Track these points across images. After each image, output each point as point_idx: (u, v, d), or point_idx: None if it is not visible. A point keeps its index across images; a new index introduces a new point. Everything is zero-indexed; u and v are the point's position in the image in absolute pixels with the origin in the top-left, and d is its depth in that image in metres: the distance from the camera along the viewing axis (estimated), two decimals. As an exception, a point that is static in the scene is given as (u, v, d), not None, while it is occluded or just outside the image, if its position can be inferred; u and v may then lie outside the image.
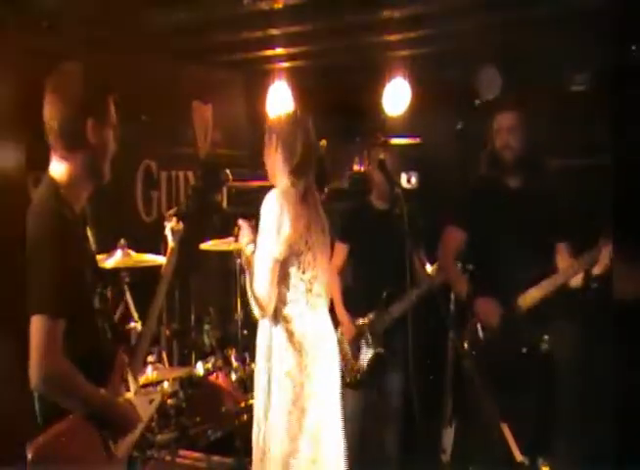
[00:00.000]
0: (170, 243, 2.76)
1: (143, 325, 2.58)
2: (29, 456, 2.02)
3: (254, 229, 2.93)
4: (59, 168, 2.22)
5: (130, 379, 2.35)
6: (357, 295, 3.98)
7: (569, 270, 3.27)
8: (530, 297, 3.29)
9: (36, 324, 2.05)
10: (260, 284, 2.81)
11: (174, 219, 2.78)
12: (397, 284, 3.54)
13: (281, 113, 3.12)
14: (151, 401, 2.46)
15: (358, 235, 3.98)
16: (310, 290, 2.88)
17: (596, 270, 3.16)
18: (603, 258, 3.12)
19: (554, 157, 3.75)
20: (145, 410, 2.39)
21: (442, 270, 3.64)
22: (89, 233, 2.35)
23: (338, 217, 3.93)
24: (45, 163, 2.26)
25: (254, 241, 2.90)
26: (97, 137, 2.21)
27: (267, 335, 2.90)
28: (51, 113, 2.19)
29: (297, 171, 2.91)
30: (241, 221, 3.02)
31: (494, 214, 3.38)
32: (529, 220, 3.32)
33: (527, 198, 3.37)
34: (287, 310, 2.85)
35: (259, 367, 2.92)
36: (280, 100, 5.22)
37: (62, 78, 2.22)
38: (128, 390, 2.34)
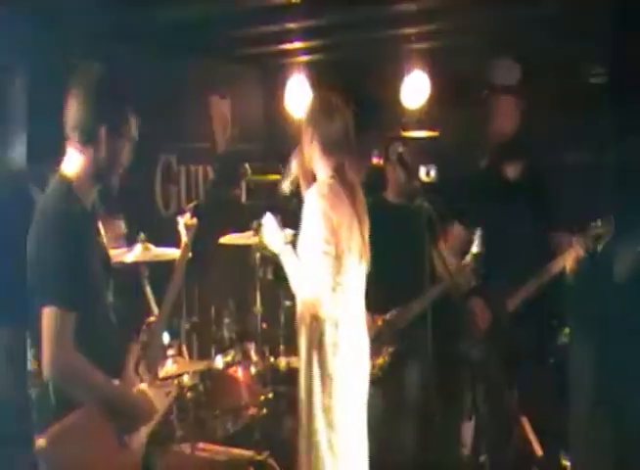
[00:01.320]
0: (184, 238, 2.76)
1: (155, 319, 2.60)
2: (42, 445, 2.05)
3: (281, 225, 2.90)
4: (71, 164, 2.26)
5: (144, 372, 2.37)
6: (376, 292, 3.96)
7: (552, 269, 3.24)
8: (517, 298, 3.27)
9: (48, 316, 2.08)
10: (308, 283, 2.78)
11: (188, 215, 2.78)
12: (417, 280, 3.53)
13: (316, 100, 3.02)
14: (167, 394, 2.47)
15: (375, 232, 3.95)
16: (345, 291, 2.85)
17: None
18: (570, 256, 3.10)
19: (557, 148, 3.71)
20: (161, 403, 2.40)
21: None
22: (101, 227, 2.37)
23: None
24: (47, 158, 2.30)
25: (281, 237, 2.86)
26: (108, 145, 2.23)
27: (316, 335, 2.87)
28: (70, 109, 2.23)
29: (334, 162, 2.84)
30: (268, 216, 2.97)
31: (492, 208, 3.34)
32: (526, 213, 3.28)
33: (525, 190, 3.32)
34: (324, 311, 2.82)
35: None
36: (298, 94, 5.22)
37: (85, 78, 2.26)
38: (143, 382, 2.36)
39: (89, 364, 2.13)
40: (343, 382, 2.82)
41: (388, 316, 3.87)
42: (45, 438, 2.07)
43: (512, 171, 3.39)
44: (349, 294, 2.88)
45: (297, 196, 3.06)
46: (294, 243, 2.89)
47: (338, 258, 2.78)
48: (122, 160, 2.30)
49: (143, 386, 2.34)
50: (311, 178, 2.94)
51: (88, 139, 2.22)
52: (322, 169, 2.87)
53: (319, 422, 2.79)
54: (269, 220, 2.94)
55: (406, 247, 3.50)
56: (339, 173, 2.85)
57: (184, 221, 2.77)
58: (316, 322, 2.81)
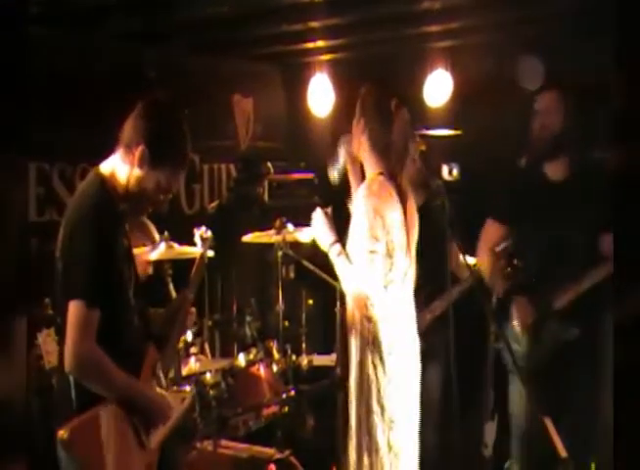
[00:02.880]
0: (200, 250, 2.76)
1: (171, 327, 2.59)
2: (63, 437, 2.08)
3: (332, 220, 2.83)
4: (111, 166, 2.30)
5: (161, 375, 2.38)
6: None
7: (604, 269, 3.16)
8: (568, 296, 3.22)
9: (74, 309, 2.11)
10: (358, 282, 2.72)
11: (203, 228, 2.78)
12: (437, 281, 3.50)
13: (374, 94, 2.89)
14: (182, 400, 2.48)
15: None
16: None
17: None
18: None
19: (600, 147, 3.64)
20: (176, 408, 2.41)
21: (480, 265, 3.58)
22: (127, 230, 2.40)
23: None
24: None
25: (331, 235, 2.78)
26: (143, 166, 2.26)
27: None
28: (128, 121, 2.29)
29: (385, 159, 2.78)
30: (317, 212, 2.83)
31: (534, 208, 3.30)
32: (570, 214, 3.23)
33: (568, 190, 3.27)
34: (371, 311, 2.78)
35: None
36: (320, 92, 5.21)
37: (145, 107, 2.31)
38: (160, 386, 2.37)
39: (110, 360, 2.15)
40: (398, 381, 2.82)
41: None
42: (67, 429, 2.11)
43: (554, 170, 3.33)
44: (401, 292, 2.86)
45: (343, 188, 3.01)
46: (343, 241, 2.84)
47: (389, 256, 2.73)
48: (148, 194, 2.32)
49: (160, 390, 2.37)
50: (359, 170, 2.88)
51: (128, 150, 2.25)
52: (371, 165, 2.81)
53: (376, 422, 2.78)
54: (318, 216, 2.84)
55: (426, 246, 3.48)
56: (388, 170, 2.78)
57: (200, 234, 2.76)
58: (368, 322, 2.78)
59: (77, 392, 2.18)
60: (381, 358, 2.77)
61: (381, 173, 2.77)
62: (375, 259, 2.69)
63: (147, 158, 2.24)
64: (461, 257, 3.42)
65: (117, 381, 2.19)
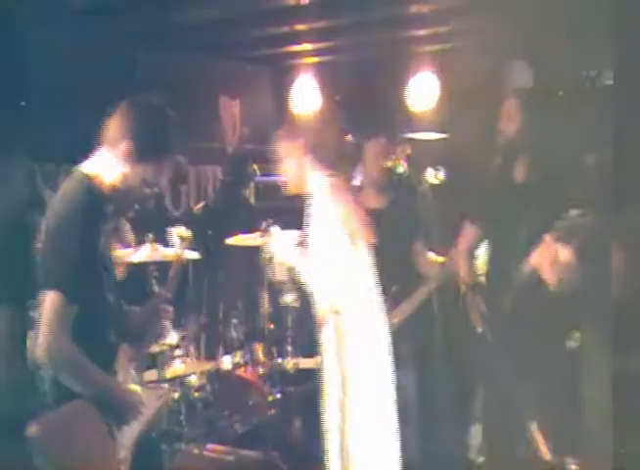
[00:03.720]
0: (177, 250, 2.76)
1: (146, 325, 2.58)
2: (33, 433, 2.07)
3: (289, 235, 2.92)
4: (95, 165, 2.32)
5: (134, 373, 2.40)
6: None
7: None
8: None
9: (51, 300, 2.12)
10: (325, 281, 2.81)
11: (182, 228, 2.78)
12: (405, 281, 3.53)
13: (307, 113, 3.13)
14: (159, 397, 2.49)
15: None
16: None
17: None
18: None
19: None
20: (152, 405, 2.42)
21: (454, 265, 3.62)
22: (113, 230, 2.42)
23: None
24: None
25: (292, 249, 2.87)
26: (124, 175, 2.28)
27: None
28: (113, 119, 2.31)
29: (329, 166, 2.90)
30: (275, 230, 2.97)
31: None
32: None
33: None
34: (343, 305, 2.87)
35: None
36: (306, 95, 5.22)
37: (130, 105, 2.33)
38: (134, 382, 2.39)
39: (83, 356, 2.16)
40: (362, 376, 2.85)
41: None
42: (38, 425, 2.10)
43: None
44: (364, 286, 2.90)
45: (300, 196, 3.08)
46: (303, 244, 2.90)
47: (352, 252, 2.80)
48: (140, 192, 2.34)
49: (134, 387, 2.38)
50: (305, 180, 2.96)
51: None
52: (317, 173, 2.91)
53: (335, 418, 2.81)
54: (277, 234, 2.97)
55: (393, 248, 3.50)
56: (335, 174, 2.90)
57: (177, 233, 2.76)
58: (337, 316, 2.84)
59: (50, 387, 2.19)
60: (348, 352, 2.82)
61: (331, 175, 2.84)
62: (340, 256, 2.78)
63: (133, 153, 2.27)
64: (430, 256, 3.46)
65: (89, 376, 2.21)
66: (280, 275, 3.32)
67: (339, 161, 2.93)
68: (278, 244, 2.94)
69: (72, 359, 2.15)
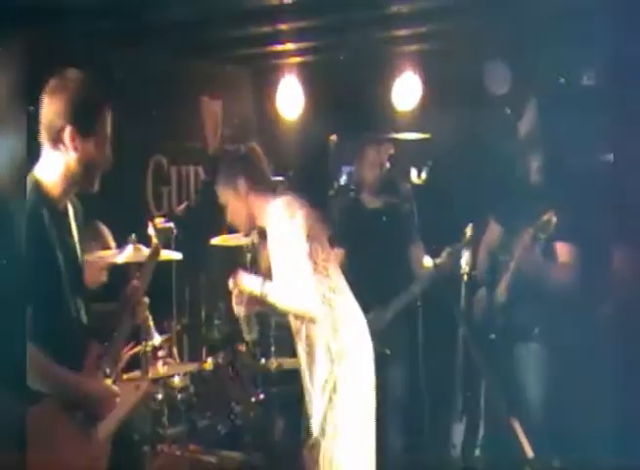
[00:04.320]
0: (154, 241, 2.74)
1: (120, 318, 2.56)
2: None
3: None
4: (44, 164, 2.30)
5: (107, 367, 2.38)
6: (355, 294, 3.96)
7: None
8: None
9: None
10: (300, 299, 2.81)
11: (161, 219, 2.76)
12: (395, 280, 3.54)
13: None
14: (137, 387, 2.48)
15: (353, 233, 3.92)
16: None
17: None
18: None
19: None
20: (130, 396, 2.41)
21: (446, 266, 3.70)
22: (73, 228, 2.39)
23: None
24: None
25: (258, 282, 2.88)
26: (76, 146, 2.25)
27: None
28: (42, 112, 2.27)
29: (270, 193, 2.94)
30: (239, 274, 2.97)
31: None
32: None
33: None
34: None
35: None
36: (289, 95, 5.21)
37: (56, 83, 2.29)
38: (108, 377, 2.38)
39: (44, 356, 2.15)
40: (348, 384, 2.84)
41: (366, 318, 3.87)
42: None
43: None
44: (341, 296, 2.89)
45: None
46: (268, 267, 2.91)
47: (320, 266, 2.81)
48: (99, 160, 2.31)
49: (108, 381, 2.38)
50: (255, 219, 2.97)
51: (56, 139, 2.25)
52: (262, 205, 2.92)
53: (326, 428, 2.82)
54: (240, 275, 2.97)
55: (384, 247, 3.51)
56: (281, 197, 2.91)
57: (155, 225, 2.74)
58: (314, 326, 2.83)
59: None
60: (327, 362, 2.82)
61: (282, 197, 2.87)
62: (309, 271, 2.76)
63: (76, 135, 2.24)
64: (422, 257, 3.50)
65: (52, 376, 2.20)
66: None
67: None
68: (246, 284, 2.93)
69: (32, 362, 2.11)
